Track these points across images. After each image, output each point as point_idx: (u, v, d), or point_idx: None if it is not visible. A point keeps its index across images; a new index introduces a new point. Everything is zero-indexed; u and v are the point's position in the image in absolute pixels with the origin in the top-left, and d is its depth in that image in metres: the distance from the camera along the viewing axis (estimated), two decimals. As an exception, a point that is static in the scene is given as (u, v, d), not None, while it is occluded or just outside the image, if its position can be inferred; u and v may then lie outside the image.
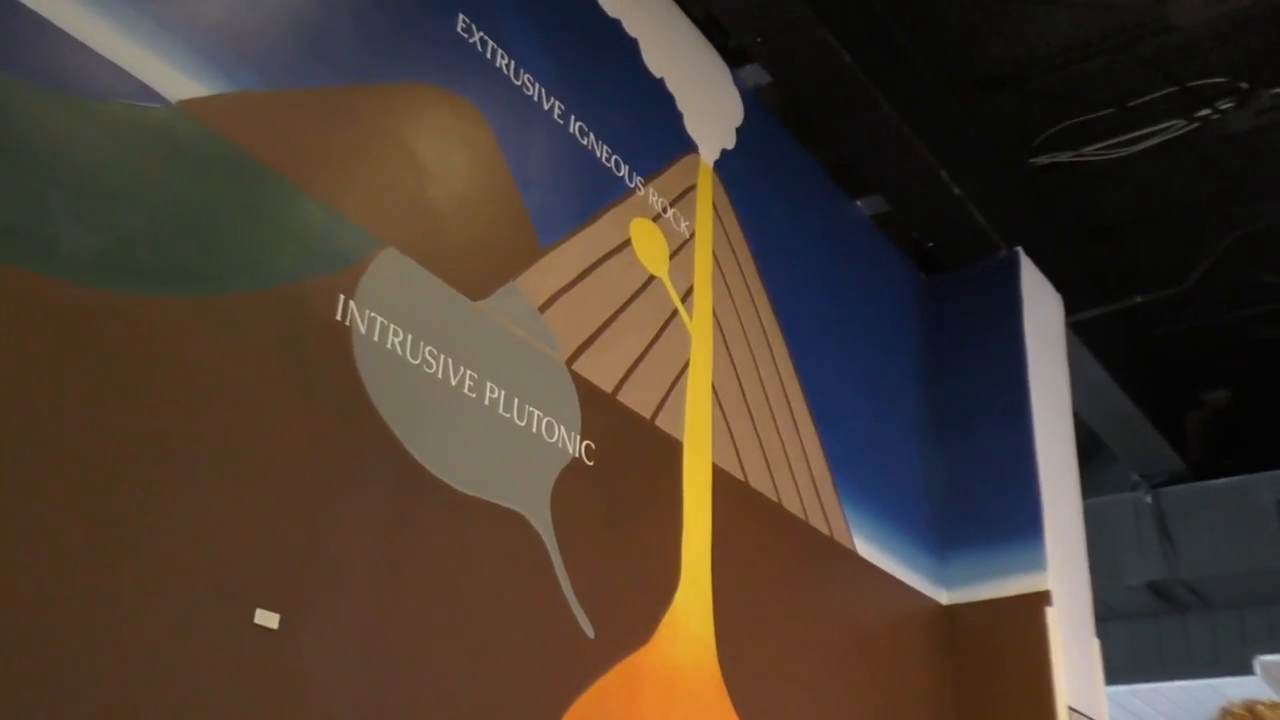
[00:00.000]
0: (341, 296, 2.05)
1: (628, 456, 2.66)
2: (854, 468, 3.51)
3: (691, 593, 2.75)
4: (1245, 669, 5.93)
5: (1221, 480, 5.91)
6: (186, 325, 1.79)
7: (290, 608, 1.84)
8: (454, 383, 2.25)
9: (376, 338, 2.10)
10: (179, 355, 1.77)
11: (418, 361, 2.17)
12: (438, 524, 2.15)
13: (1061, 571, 3.71)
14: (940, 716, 3.56)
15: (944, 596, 3.77)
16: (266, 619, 1.80)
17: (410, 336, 2.16)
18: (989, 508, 3.81)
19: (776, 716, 2.91)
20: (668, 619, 2.66)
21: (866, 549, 3.48)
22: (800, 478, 3.26)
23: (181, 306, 1.79)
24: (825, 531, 3.32)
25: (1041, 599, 3.61)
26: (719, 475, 2.92)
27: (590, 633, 2.42)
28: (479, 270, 2.37)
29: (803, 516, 3.23)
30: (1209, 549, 5.71)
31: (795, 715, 2.99)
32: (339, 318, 2.03)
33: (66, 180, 1.69)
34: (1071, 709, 3.48)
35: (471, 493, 2.23)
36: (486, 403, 2.31)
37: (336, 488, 1.97)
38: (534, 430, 2.41)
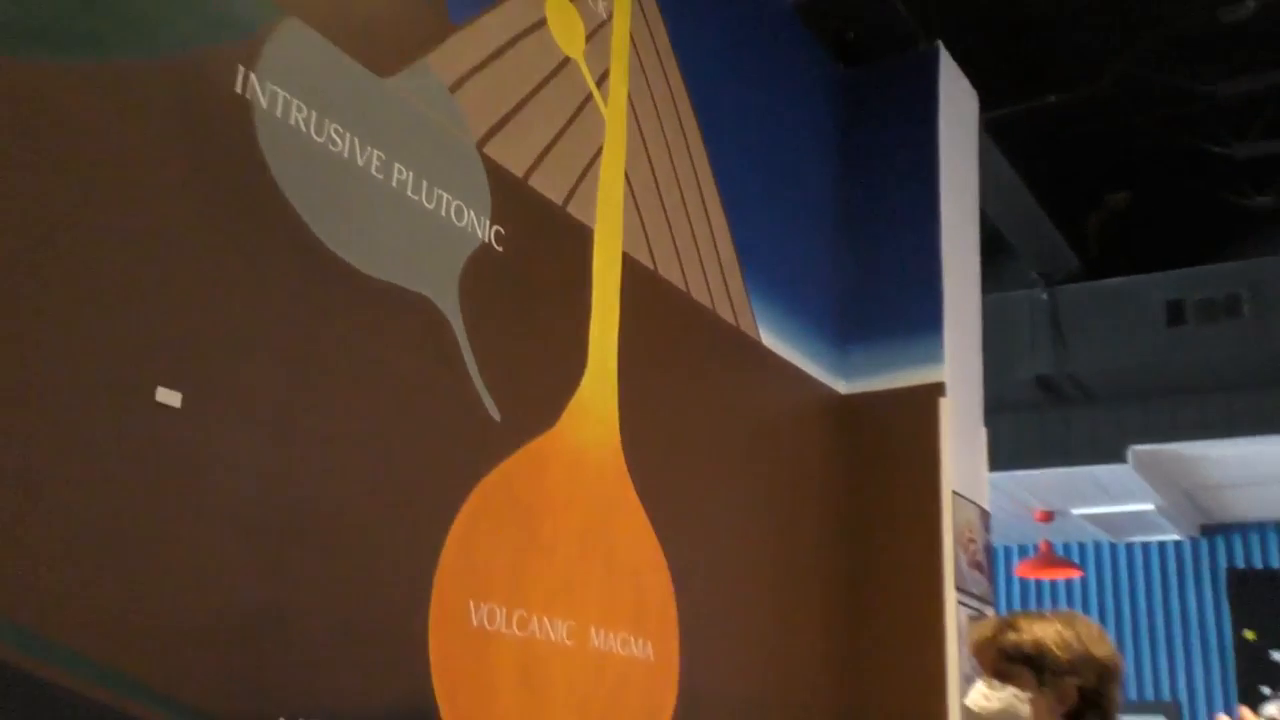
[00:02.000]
0: (241, 68, 1.96)
1: (538, 242, 2.64)
2: (762, 260, 3.54)
3: (597, 379, 2.79)
4: (1119, 458, 6.27)
5: (1115, 280, 6.09)
6: (74, 94, 1.70)
7: (193, 387, 1.83)
8: (361, 163, 2.19)
9: (279, 113, 2.02)
10: (67, 127, 1.69)
11: (323, 139, 2.10)
12: (344, 306, 2.13)
13: (956, 365, 3.83)
14: (834, 500, 3.72)
15: (843, 386, 3.88)
16: (168, 397, 1.79)
17: (315, 113, 2.09)
18: (892, 302, 3.88)
19: (677, 500, 3.01)
20: (573, 404, 2.70)
21: (771, 340, 3.55)
22: (709, 268, 3.28)
23: (66, 73, 1.70)
24: (731, 322, 3.37)
25: (936, 390, 3.73)
26: (628, 263, 2.93)
27: (496, 416, 2.46)
28: (387, 46, 2.28)
29: (710, 306, 3.27)
30: (1097, 346, 5.93)
31: (696, 499, 3.10)
32: (238, 90, 1.95)
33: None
34: (956, 493, 3.65)
35: (378, 276, 2.21)
36: (394, 184, 2.26)
37: (239, 267, 1.94)
38: (443, 214, 2.37)
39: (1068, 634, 2.10)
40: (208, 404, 1.85)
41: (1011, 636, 2.12)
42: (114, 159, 1.75)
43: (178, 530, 1.79)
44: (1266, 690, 7.51)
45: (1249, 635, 7.72)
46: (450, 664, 2.25)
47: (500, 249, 2.52)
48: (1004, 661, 2.13)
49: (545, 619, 2.51)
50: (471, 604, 2.33)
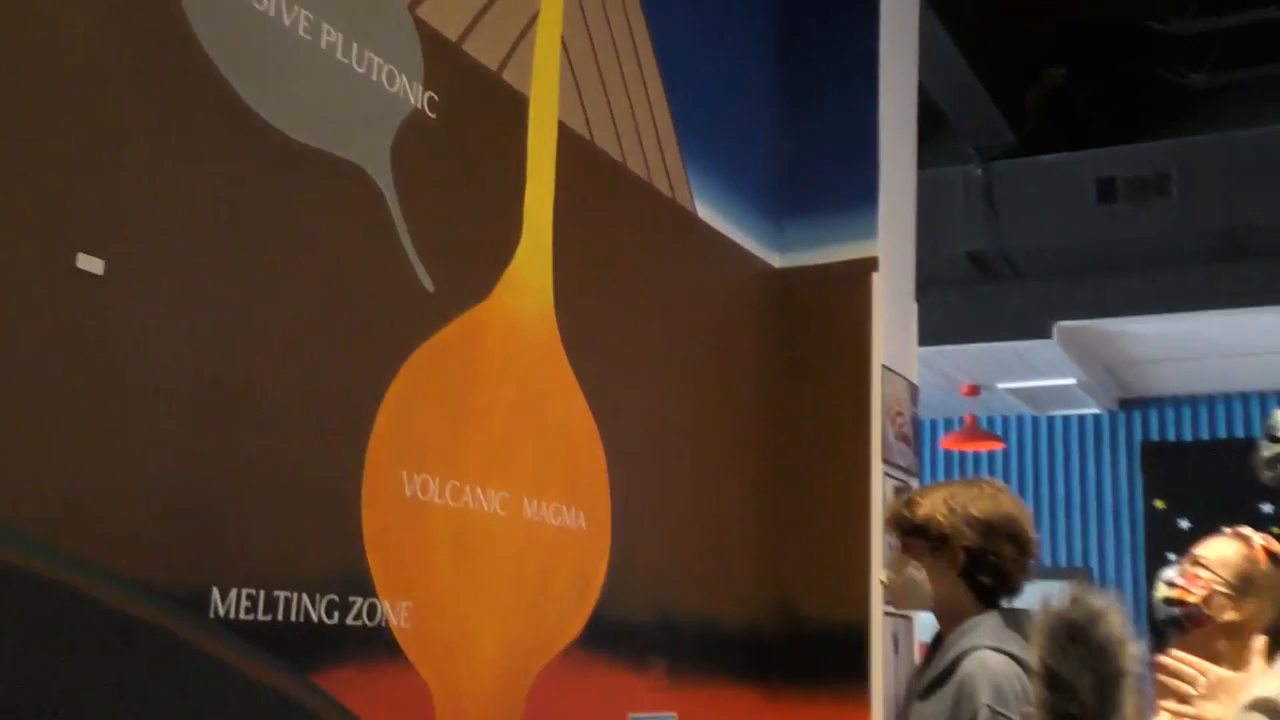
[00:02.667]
0: (159, -82, 1.86)
1: (472, 109, 2.58)
2: (700, 132, 3.50)
3: (532, 250, 2.76)
4: (1045, 334, 6.39)
5: (1048, 157, 6.12)
6: (-19, -58, 1.61)
7: (116, 254, 1.78)
8: (288, 22, 2.11)
9: (200, -32, 1.93)
10: (-25, -24, 1.60)
11: (247, -3, 2.02)
12: (272, 174, 2.07)
13: (890, 240, 3.85)
14: (766, 373, 3.76)
15: (777, 260, 3.88)
16: (90, 264, 1.74)
17: (238, -31, 2.00)
18: (828, 176, 3.87)
19: (610, 372, 3.02)
20: (507, 275, 2.68)
21: (706, 213, 3.53)
22: (646, 139, 3.23)
23: (-26, -80, 1.60)
24: (668, 194, 3.34)
25: (869, 265, 3.75)
26: (564, 133, 2.88)
27: (430, 287, 2.43)
28: (313, -102, 2.18)
29: (646, 178, 3.23)
30: (1029, 222, 5.98)
31: (629, 371, 3.11)
32: (157, -57, 1.86)
33: None
34: (885, 367, 3.70)
35: (308, 142, 2.14)
36: (323, 46, 2.19)
37: (160, 130, 1.87)
38: (374, 78, 2.30)
39: (952, 501, 2.19)
40: (131, 272, 1.81)
41: (905, 513, 2.22)
42: (26, 19, 1.67)
43: (101, 400, 1.76)
44: (1172, 556, 7.83)
45: (1158, 504, 8.02)
46: (384, 534, 2.26)
47: (433, 116, 2.46)
48: (903, 535, 2.22)
49: (479, 489, 2.52)
50: (405, 474, 2.33)
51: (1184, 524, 7.83)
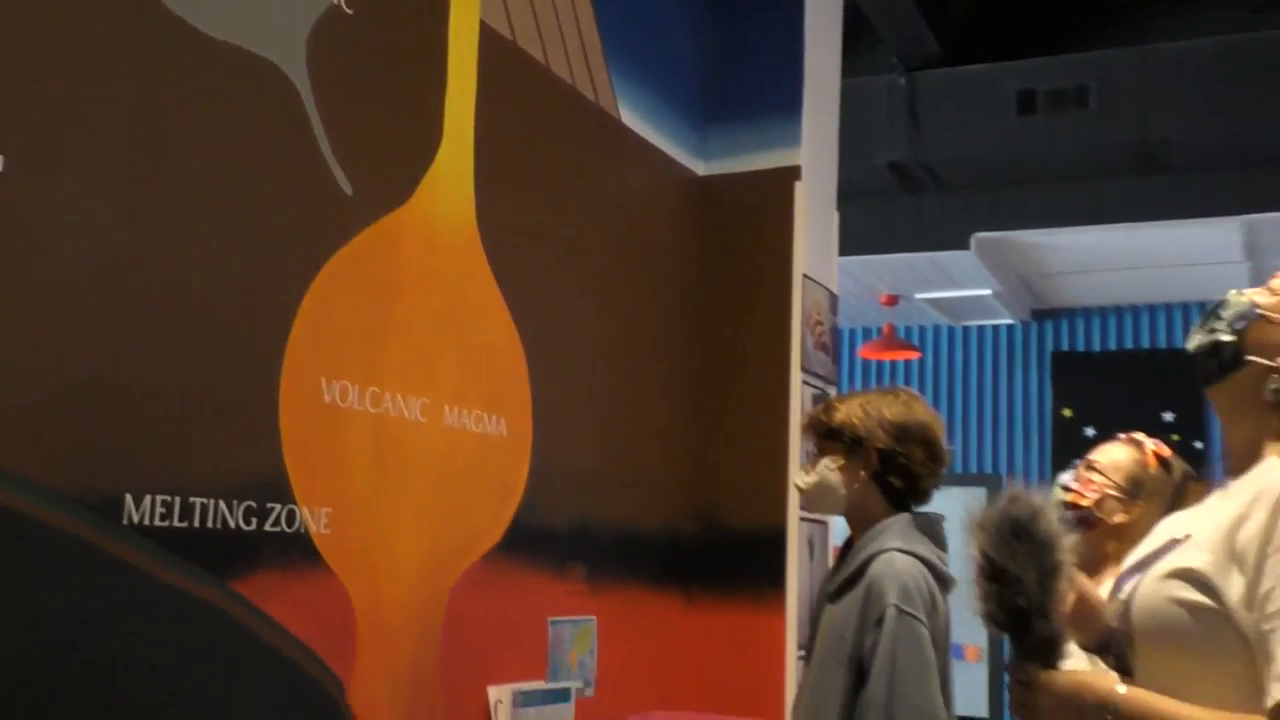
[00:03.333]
0: None
1: (390, 6, 2.51)
2: (625, 37, 3.44)
3: (453, 153, 2.71)
4: (963, 245, 6.46)
5: (971, 67, 6.13)
6: None
7: (18, 150, 1.71)
8: (195, -90, 2.02)
9: None
10: None
11: (152, -119, 1.93)
12: (183, 70, 2.00)
13: (813, 149, 3.85)
14: (688, 280, 3.76)
15: (700, 168, 3.86)
16: (-9, 161, 1.68)
17: None
18: (752, 83, 3.84)
19: (532, 278, 3.00)
20: (428, 178, 2.63)
21: (630, 118, 3.49)
22: (570, 41, 3.17)
23: None
24: (591, 98, 3.29)
25: (792, 174, 3.75)
26: (486, 33, 2.81)
27: (347, 189, 2.38)
28: None
29: (569, 81, 3.18)
30: (950, 133, 6.01)
31: (551, 277, 3.09)
32: None
33: None
34: (806, 276, 3.72)
35: (220, 37, 2.07)
36: (233, -64, 2.10)
37: (63, 25, 1.79)
38: (287, -29, 2.22)
39: (867, 406, 2.24)
40: (34, 169, 1.74)
41: (823, 417, 2.27)
42: (-89, -108, 1.58)
43: (6, 302, 1.71)
44: (1076, 462, 8.07)
45: (1066, 413, 8.23)
46: (302, 440, 2.24)
47: (350, 12, 2.38)
48: (820, 439, 2.27)
49: (399, 396, 2.50)
50: (323, 380, 2.30)
51: (1090, 432, 8.04)
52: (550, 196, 3.10)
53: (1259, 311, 1.39)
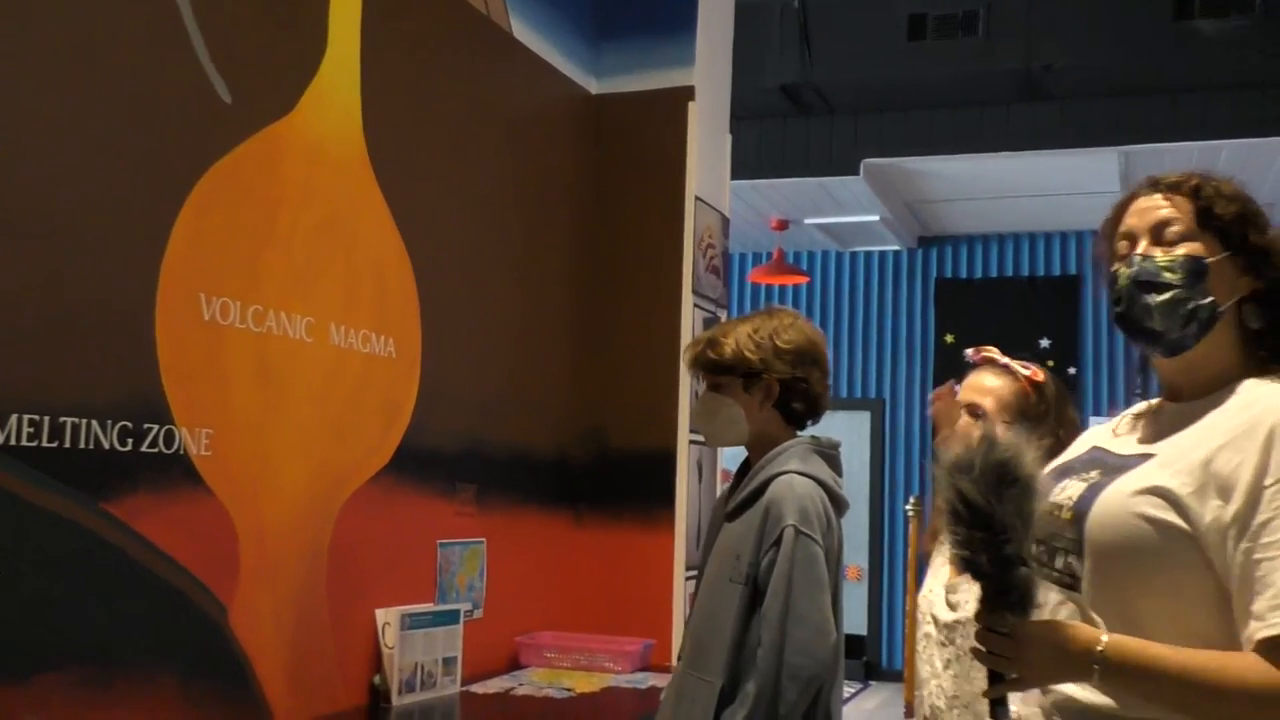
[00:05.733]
0: None
1: (270, -95, 2.39)
2: (516, -56, 3.35)
3: (338, 64, 2.62)
4: (852, 170, 6.50)
5: (864, -9, 6.11)
6: None
7: None
8: None
9: None
10: None
11: None
12: (43, -37, 1.88)
13: (706, 69, 3.81)
14: (580, 201, 3.71)
15: (594, 86, 3.79)
16: None
17: None
18: (647, 0, 3.78)
19: (422, 195, 2.92)
20: (312, 89, 2.53)
21: (523, 32, 3.40)
22: (460, -51, 3.07)
23: None
24: (482, 10, 3.20)
25: (685, 94, 3.71)
26: (372, -62, 2.70)
27: (227, 98, 2.28)
28: None
29: (459, -8, 3.08)
30: (841, 57, 6.00)
31: (441, 195, 3.02)
32: None
33: None
34: (698, 198, 3.71)
35: (83, -71, 1.95)
36: None
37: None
38: None
39: (756, 335, 2.22)
40: (-119, 67, 1.62)
41: (711, 354, 2.24)
42: None
43: None
44: (957, 387, 8.26)
45: (948, 339, 8.41)
46: (180, 359, 2.16)
47: (227, -91, 2.26)
48: (712, 375, 2.25)
49: (282, 314, 2.43)
50: (202, 297, 2.22)
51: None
52: (440, 112, 3.02)
53: (1206, 261, 1.39)
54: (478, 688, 2.98)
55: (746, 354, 2.21)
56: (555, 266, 3.60)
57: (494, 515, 3.23)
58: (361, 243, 2.71)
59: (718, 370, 2.24)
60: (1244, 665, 1.22)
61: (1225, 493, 1.27)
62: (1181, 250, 1.40)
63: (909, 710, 5.90)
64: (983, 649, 1.37)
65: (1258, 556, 1.23)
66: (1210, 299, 1.38)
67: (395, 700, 2.70)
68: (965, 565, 1.37)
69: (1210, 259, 1.39)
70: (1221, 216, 1.40)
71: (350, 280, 2.66)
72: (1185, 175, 1.44)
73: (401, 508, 2.83)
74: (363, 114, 2.69)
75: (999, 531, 1.31)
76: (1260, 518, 1.24)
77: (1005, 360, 2.28)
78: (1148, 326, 1.41)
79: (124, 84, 2.05)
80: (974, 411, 2.25)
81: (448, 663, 2.88)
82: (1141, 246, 1.43)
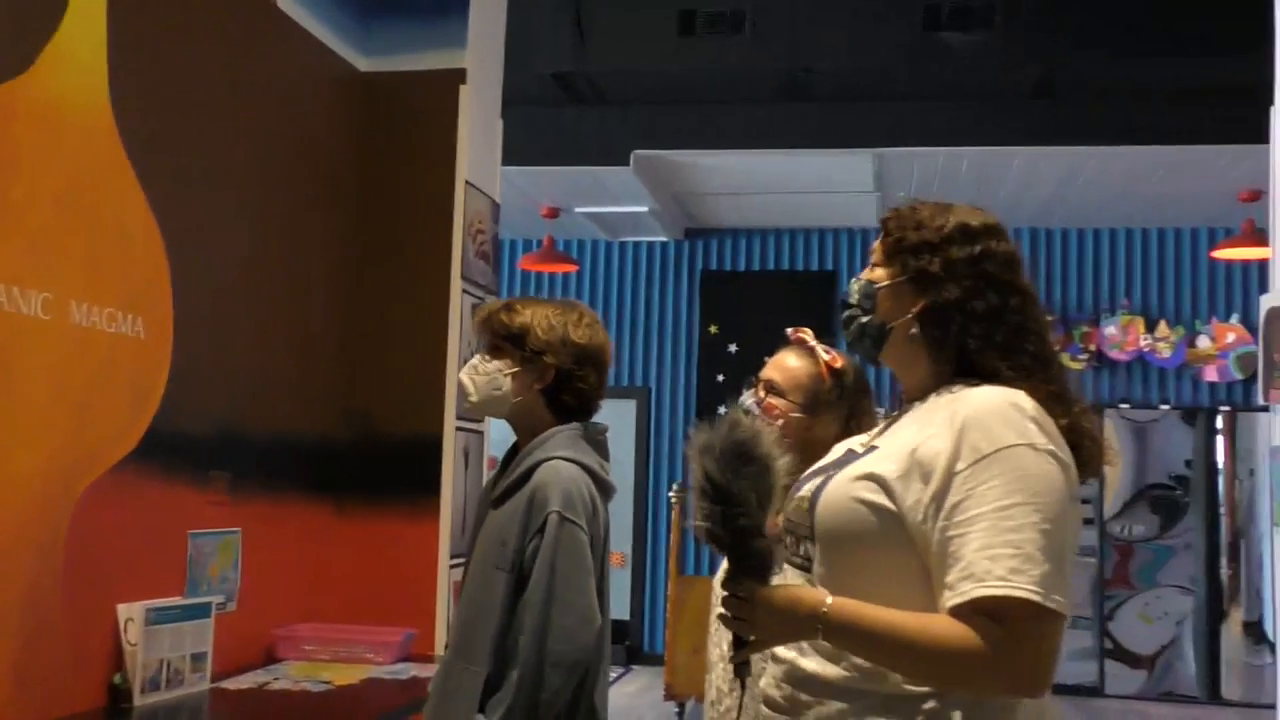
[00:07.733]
0: None
1: None
2: (281, -90, 3.21)
3: (80, 23, 2.45)
4: (623, 161, 6.57)
5: (639, -21, 6.16)
6: None
7: None
8: None
9: None
10: None
11: None
12: None
13: (479, 52, 3.76)
14: (348, 180, 3.60)
15: (363, 64, 3.69)
16: None
17: None
18: (419, -23, 3.71)
19: (175, 167, 2.77)
20: (50, 49, 2.36)
21: (288, 3, 3.28)
22: (219, -90, 2.92)
23: None
24: (243, -24, 3.06)
25: (457, 76, 3.66)
26: (122, -109, 2.54)
27: (-47, 53, 2.10)
28: None
29: (219, -45, 2.93)
30: (614, 48, 6.03)
31: (197, 168, 2.87)
32: None
33: None
34: (469, 183, 3.66)
35: None
36: None
37: None
38: None
39: (555, 319, 2.22)
40: None
41: (504, 317, 2.23)
42: None
43: None
44: (721, 378, 8.48)
45: (712, 330, 8.62)
46: (-104, 335, 1.98)
47: None
48: (495, 338, 2.23)
49: (16, 290, 2.26)
50: (-78, 269, 2.04)
51: (733, 348, 8.47)
52: (197, 81, 2.87)
53: (876, 286, 1.57)
54: (229, 684, 2.86)
55: (537, 331, 2.20)
56: (320, 247, 3.48)
57: (252, 503, 3.10)
58: (107, 215, 2.54)
59: (504, 335, 2.22)
60: (940, 625, 1.36)
61: (926, 477, 1.42)
62: (865, 276, 1.61)
63: (669, 693, 6.02)
64: (728, 615, 1.50)
65: (950, 534, 1.38)
66: (878, 318, 1.58)
67: (138, 699, 2.55)
68: (707, 537, 1.47)
69: (882, 284, 1.58)
70: (907, 245, 1.57)
71: (94, 255, 2.49)
72: (892, 211, 1.62)
73: (149, 497, 2.68)
74: (109, 79, 2.53)
75: (736, 505, 1.43)
76: (952, 499, 1.39)
77: (813, 344, 2.34)
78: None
79: None
80: (769, 387, 2.30)
81: (197, 659, 2.75)
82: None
